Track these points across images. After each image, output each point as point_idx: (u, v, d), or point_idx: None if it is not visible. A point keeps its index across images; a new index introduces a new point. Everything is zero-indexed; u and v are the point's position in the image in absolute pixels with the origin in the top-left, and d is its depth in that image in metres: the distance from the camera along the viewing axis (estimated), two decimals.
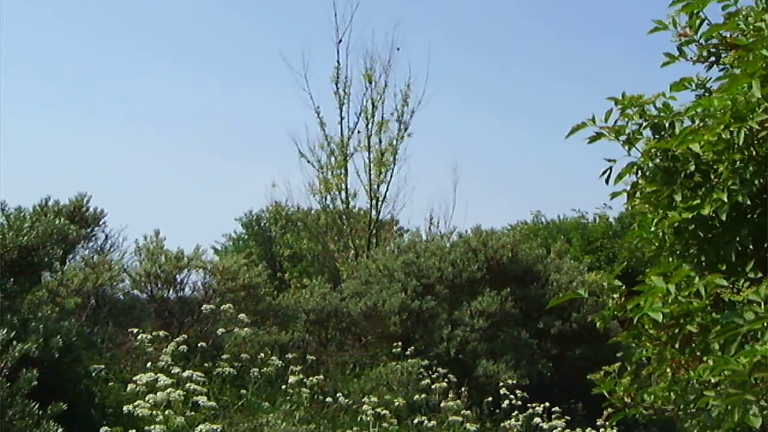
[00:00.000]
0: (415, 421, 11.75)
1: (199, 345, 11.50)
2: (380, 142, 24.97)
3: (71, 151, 42.78)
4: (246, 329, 11.62)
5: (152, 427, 6.81)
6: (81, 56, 42.92)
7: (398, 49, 25.55)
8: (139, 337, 10.89)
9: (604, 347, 12.81)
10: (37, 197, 14.80)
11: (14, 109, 40.54)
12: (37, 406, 6.92)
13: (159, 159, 44.31)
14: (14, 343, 6.96)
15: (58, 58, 43.23)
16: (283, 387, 11.69)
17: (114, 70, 42.89)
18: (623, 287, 4.25)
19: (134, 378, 7.85)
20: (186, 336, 11.61)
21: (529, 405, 13.16)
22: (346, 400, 12.10)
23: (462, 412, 12.12)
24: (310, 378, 11.86)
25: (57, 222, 8.98)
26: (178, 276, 14.50)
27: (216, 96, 44.39)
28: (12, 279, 8.82)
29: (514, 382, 14.17)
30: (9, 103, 40.89)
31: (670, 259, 4.45)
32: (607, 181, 4.52)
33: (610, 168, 4.53)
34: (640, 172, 4.52)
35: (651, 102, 4.45)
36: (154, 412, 6.99)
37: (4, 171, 31.22)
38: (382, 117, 25.13)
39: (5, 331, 6.97)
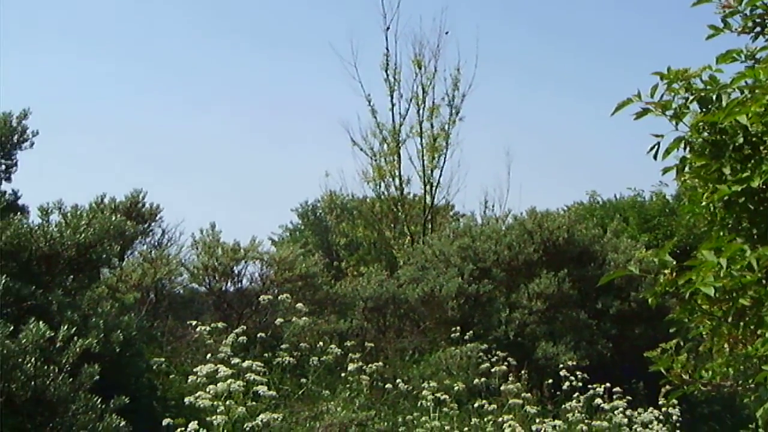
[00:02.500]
0: (476, 405, 11.73)
1: (258, 335, 11.58)
2: (432, 127, 24.99)
3: (127, 147, 43.17)
4: (304, 318, 11.68)
5: (214, 417, 6.88)
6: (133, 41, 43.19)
7: (447, 33, 25.54)
8: (198, 329, 10.99)
9: (664, 326, 12.67)
10: (93, 195, 14.98)
11: (63, 103, 41.03)
12: (99, 400, 7.03)
13: (211, 152, 44.50)
14: (75, 338, 7.06)
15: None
16: (343, 375, 11.74)
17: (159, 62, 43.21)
18: (674, 263, 4.21)
19: (195, 370, 7.92)
20: (245, 327, 11.69)
21: (589, 386, 13.06)
22: (406, 386, 12.11)
23: (522, 394, 12.08)
24: (370, 365, 11.89)
25: (113, 219, 9.10)
26: (235, 268, 14.62)
27: (265, 88, 44.51)
28: (71, 276, 8.97)
29: (574, 363, 14.06)
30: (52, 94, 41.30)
31: (722, 233, 4.40)
32: (655, 157, 4.48)
33: (658, 143, 4.48)
34: (688, 146, 4.47)
35: (697, 75, 4.40)
36: (216, 402, 7.06)
37: (58, 170, 31.65)
38: (433, 102, 25.15)
39: (66, 327, 7.08)
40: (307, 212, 35.31)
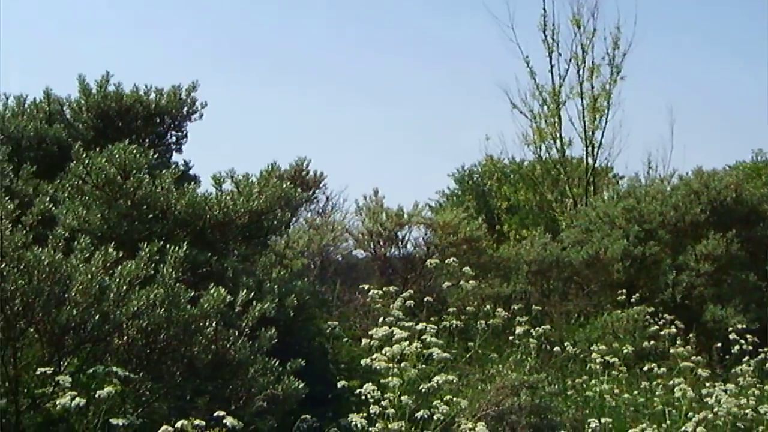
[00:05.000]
0: (645, 368, 11.57)
1: (425, 299, 11.64)
2: (592, 87, 24.66)
3: (289, 115, 43.82)
4: (471, 282, 11.68)
5: (389, 379, 6.95)
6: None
7: None
8: (369, 293, 11.08)
9: None
10: (256, 163, 15.31)
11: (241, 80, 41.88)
12: (277, 363, 7.19)
13: (366, 120, 44.76)
14: (254, 303, 7.24)
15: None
16: (510, 338, 11.73)
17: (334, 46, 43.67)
18: None
19: (370, 332, 8.00)
20: (411, 291, 11.76)
21: (760, 350, 12.71)
22: (574, 349, 12.04)
23: (692, 358, 11.85)
24: (536, 329, 11.83)
25: (284, 186, 9.27)
26: (399, 233, 14.75)
27: (423, 60, 44.53)
28: (244, 243, 9.20)
29: (744, 326, 13.70)
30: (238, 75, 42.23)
31: None
32: None
33: None
34: None
35: None
36: (391, 365, 7.13)
37: (231, 138, 32.38)
38: (593, 62, 24.83)
39: (244, 292, 7.25)
40: (464, 177, 35.25)
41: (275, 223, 9.29)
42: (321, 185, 16.18)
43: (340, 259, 15.82)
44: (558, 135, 24.81)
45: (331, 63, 44.82)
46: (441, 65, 44.46)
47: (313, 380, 7.61)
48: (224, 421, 5.28)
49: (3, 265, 6.02)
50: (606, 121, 24.49)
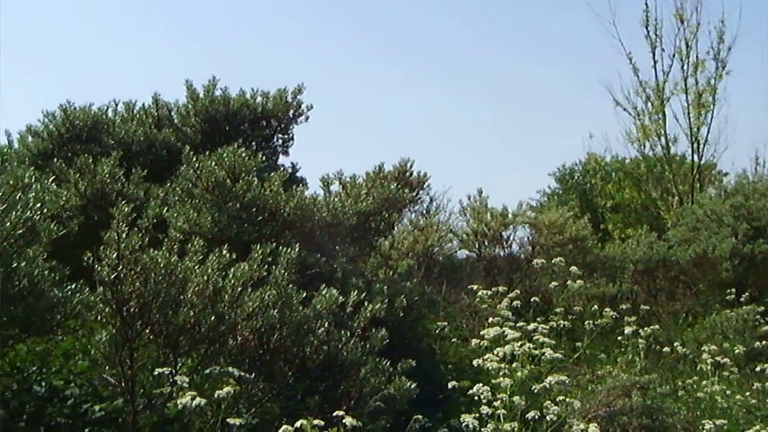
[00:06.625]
0: (756, 369, 11.35)
1: (532, 300, 11.58)
2: (697, 83, 24.21)
3: (394, 117, 43.92)
4: (579, 282, 11.60)
5: (500, 380, 6.92)
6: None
7: None
8: (479, 294, 11.06)
9: None
10: (359, 164, 15.39)
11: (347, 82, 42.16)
12: (388, 363, 7.22)
13: (466, 119, 44.65)
14: (365, 304, 7.27)
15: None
16: (618, 339, 11.60)
17: (431, 39, 43.64)
18: None
19: (482, 333, 7.98)
20: (517, 291, 11.72)
21: None
22: (683, 350, 11.87)
23: None
24: (645, 328, 11.69)
25: (390, 187, 9.31)
26: (504, 233, 14.70)
27: (522, 56, 44.26)
28: (352, 245, 9.26)
29: None
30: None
31: None
32: None
33: None
34: None
35: None
36: (502, 365, 7.11)
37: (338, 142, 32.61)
38: (697, 57, 24.37)
39: (355, 293, 7.29)
40: (565, 176, 34.92)
41: (382, 224, 9.35)
42: (425, 186, 16.18)
43: (441, 259, 15.80)
44: (662, 132, 24.43)
45: (432, 63, 44.80)
46: (543, 63, 44.07)
47: (422, 381, 7.59)
48: (344, 421, 5.30)
49: (120, 268, 6.14)
50: (711, 117, 24.03)
